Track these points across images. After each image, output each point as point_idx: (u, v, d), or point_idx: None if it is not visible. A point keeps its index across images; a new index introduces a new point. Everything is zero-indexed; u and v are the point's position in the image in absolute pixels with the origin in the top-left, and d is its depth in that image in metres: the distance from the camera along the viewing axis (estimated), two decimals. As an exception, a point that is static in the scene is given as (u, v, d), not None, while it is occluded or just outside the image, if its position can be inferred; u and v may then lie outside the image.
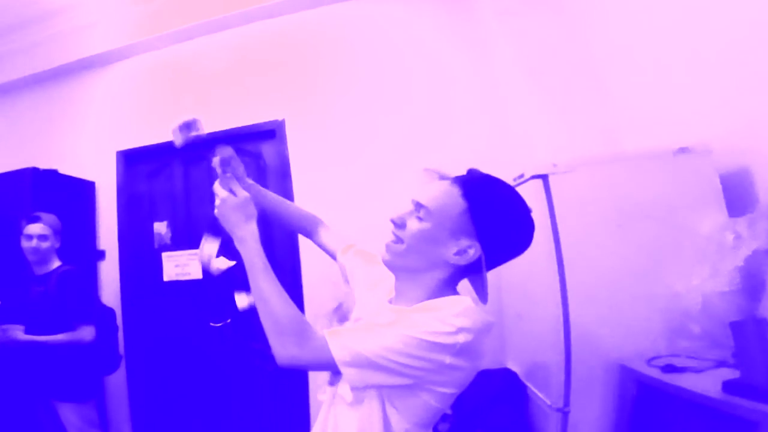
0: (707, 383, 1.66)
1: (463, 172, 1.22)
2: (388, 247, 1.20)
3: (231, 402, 3.61)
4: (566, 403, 2.07)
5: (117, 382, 3.76)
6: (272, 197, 1.74)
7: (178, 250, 3.79)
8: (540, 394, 2.29)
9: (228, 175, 1.33)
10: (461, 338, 1.01)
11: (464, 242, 1.12)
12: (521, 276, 2.48)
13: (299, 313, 1.10)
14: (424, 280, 1.18)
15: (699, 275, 1.91)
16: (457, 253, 1.13)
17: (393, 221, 1.19)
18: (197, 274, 3.71)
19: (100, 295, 3.80)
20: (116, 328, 3.22)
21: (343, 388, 1.13)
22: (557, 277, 2.10)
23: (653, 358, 1.93)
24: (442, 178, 1.20)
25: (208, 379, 3.69)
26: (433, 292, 1.17)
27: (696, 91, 2.17)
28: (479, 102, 3.24)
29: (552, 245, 2.12)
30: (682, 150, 2.06)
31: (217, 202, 1.27)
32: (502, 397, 2.45)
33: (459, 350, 1.02)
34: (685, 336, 1.92)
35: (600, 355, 2.05)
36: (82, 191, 3.91)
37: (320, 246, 1.73)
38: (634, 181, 2.11)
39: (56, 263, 2.98)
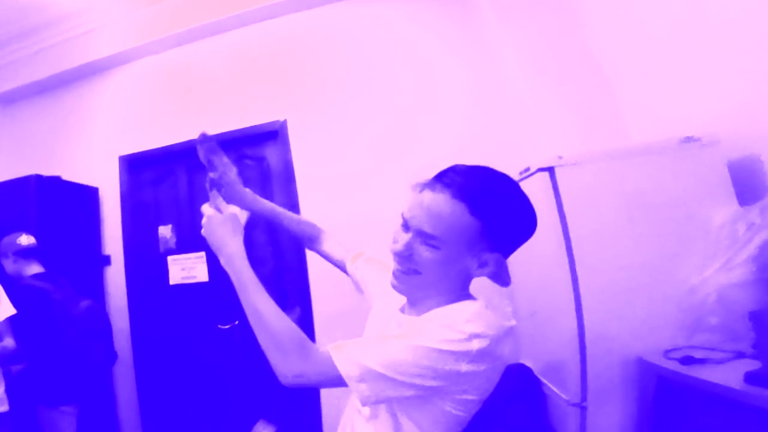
0: (728, 375, 1.65)
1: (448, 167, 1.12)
2: (400, 278, 1.13)
3: (240, 405, 3.60)
4: (584, 398, 2.07)
5: (126, 386, 3.77)
6: (270, 205, 1.69)
7: (183, 254, 3.78)
8: (556, 390, 2.29)
9: (213, 193, 1.32)
10: (476, 344, 0.97)
11: (485, 255, 1.07)
12: (533, 273, 2.47)
13: (297, 328, 1.06)
14: (439, 290, 1.13)
15: (713, 266, 1.91)
16: (480, 267, 1.08)
17: (398, 254, 1.10)
18: (203, 277, 3.70)
19: (104, 298, 3.83)
20: (108, 327, 3.21)
21: (357, 401, 1.09)
22: (569, 273, 2.09)
23: (671, 350, 1.92)
24: (432, 186, 1.08)
25: (217, 382, 3.68)
26: (446, 299, 1.12)
27: (702, 81, 2.15)
28: (483, 97, 3.22)
29: (562, 240, 2.11)
30: (689, 139, 2.05)
31: (204, 221, 1.25)
32: (518, 393, 2.44)
33: (475, 356, 0.98)
34: (702, 329, 1.91)
35: (616, 349, 2.04)
36: (86, 197, 3.90)
37: (324, 255, 1.71)
38: (643, 174, 2.10)
39: (31, 272, 3.02)
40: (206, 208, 1.28)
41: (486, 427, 1.20)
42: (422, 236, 1.05)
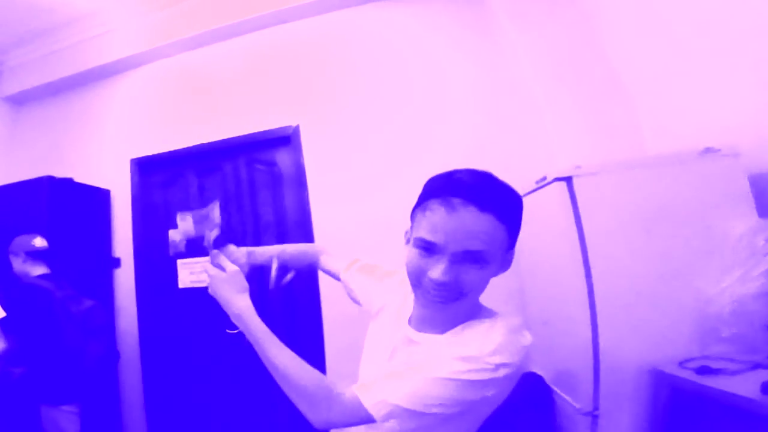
0: (744, 385, 1.64)
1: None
2: (441, 307, 1.07)
3: (247, 409, 3.60)
4: (596, 406, 2.06)
5: (133, 388, 3.77)
6: (269, 253, 1.69)
7: (192, 257, 3.79)
8: (568, 398, 2.28)
9: (215, 252, 1.34)
10: (502, 373, 0.99)
11: (508, 255, 1.10)
12: (546, 282, 2.47)
13: (320, 375, 1.09)
14: (472, 301, 1.12)
15: (730, 278, 1.90)
16: (503, 268, 1.10)
17: (446, 284, 1.03)
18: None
19: (113, 300, 3.85)
20: (110, 326, 3.36)
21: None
22: (584, 282, 2.08)
23: (685, 361, 1.92)
24: (450, 204, 1.03)
25: (225, 387, 3.68)
26: (464, 312, 1.12)
27: (723, 92, 2.15)
28: (498, 104, 3.20)
29: (578, 250, 2.11)
30: (708, 150, 2.05)
31: (208, 281, 1.27)
32: (528, 402, 2.43)
33: (501, 382, 1.00)
34: (718, 340, 1.91)
35: (629, 358, 2.03)
36: (98, 199, 3.91)
37: (326, 272, 1.73)
38: (661, 185, 2.10)
39: (36, 273, 3.06)
40: (209, 267, 1.30)
41: (496, 433, 1.21)
42: (468, 256, 1.01)
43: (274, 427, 3.53)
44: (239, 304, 1.20)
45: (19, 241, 3.05)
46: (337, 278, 1.67)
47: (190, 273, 3.79)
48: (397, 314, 1.29)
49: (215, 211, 1.54)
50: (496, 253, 1.04)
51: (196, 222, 1.55)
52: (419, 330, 1.18)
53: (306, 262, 1.73)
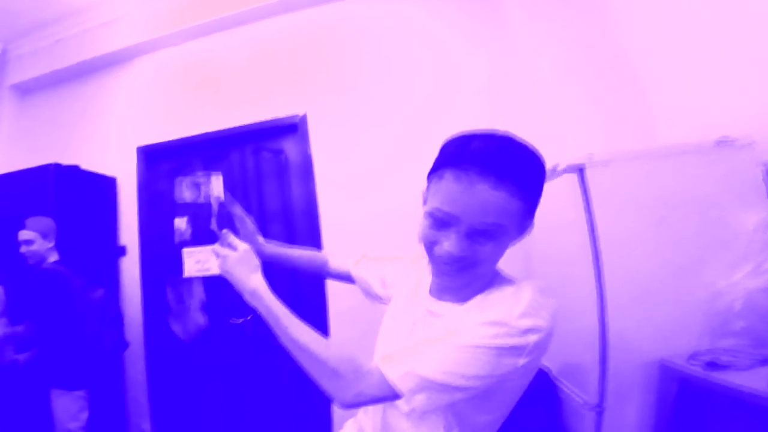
0: (753, 380, 1.62)
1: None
2: (455, 275, 1.05)
3: (251, 398, 3.60)
4: (602, 400, 2.04)
5: (137, 377, 3.78)
6: (279, 250, 1.68)
7: (198, 246, 3.77)
8: (575, 392, 2.26)
9: (225, 231, 1.31)
10: (532, 338, 0.95)
11: (526, 224, 1.05)
12: (556, 272, 2.44)
13: (341, 350, 1.04)
14: (489, 272, 1.10)
15: (742, 271, 1.87)
16: (520, 235, 1.06)
17: (458, 258, 1.01)
18: (217, 270, 3.68)
19: (118, 288, 3.87)
20: (120, 315, 3.31)
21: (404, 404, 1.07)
22: (594, 273, 2.06)
23: (694, 355, 1.89)
24: (468, 174, 1.00)
25: (229, 376, 3.68)
26: (485, 279, 1.10)
27: (736, 82, 2.11)
28: (508, 94, 3.16)
29: (588, 240, 2.08)
30: (723, 140, 2.01)
31: (219, 261, 1.25)
32: (533, 395, 2.41)
33: (532, 350, 0.95)
34: (727, 334, 1.88)
35: (638, 351, 2.01)
36: (104, 187, 3.91)
37: (335, 276, 1.68)
38: (675, 175, 2.06)
39: (52, 259, 3.09)
40: (219, 248, 1.27)
41: (499, 430, 1.18)
42: (482, 229, 0.98)
43: (277, 415, 3.53)
44: (253, 282, 1.17)
45: (43, 221, 3.08)
46: (348, 280, 1.63)
47: (196, 262, 3.77)
48: (416, 289, 1.27)
49: (214, 184, 1.54)
50: (512, 224, 1.00)
51: (190, 188, 1.54)
52: (440, 300, 1.16)
53: (313, 267, 1.70)
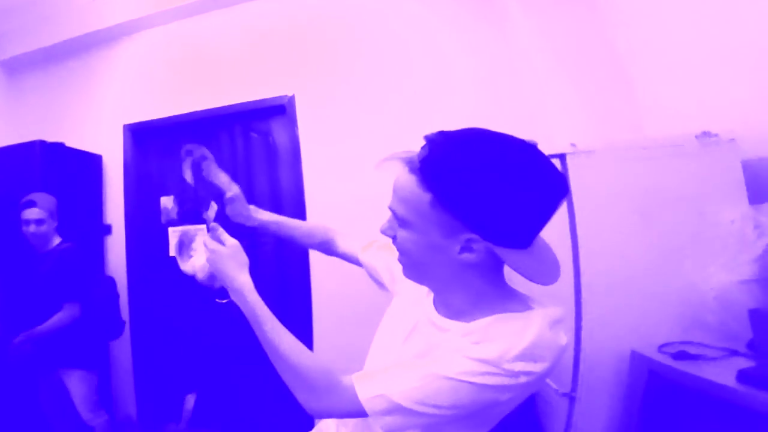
0: (721, 372, 1.63)
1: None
2: (403, 268, 1.08)
3: (236, 377, 3.61)
4: (573, 388, 2.06)
5: (122, 357, 3.80)
6: (275, 217, 1.67)
7: (184, 225, 3.77)
8: (547, 380, 2.27)
9: (213, 225, 1.28)
10: (521, 380, 0.89)
11: (462, 236, 0.93)
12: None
13: (319, 361, 1.02)
14: (456, 286, 1.03)
15: (716, 265, 1.88)
16: (463, 251, 0.95)
17: (384, 233, 1.05)
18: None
19: (104, 267, 3.86)
20: (117, 296, 3.30)
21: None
22: (572, 262, 2.07)
23: (664, 345, 1.91)
24: (402, 160, 1.01)
25: (214, 356, 3.70)
26: (476, 298, 1.02)
27: (721, 78, 2.12)
28: (497, 83, 3.12)
29: (567, 229, 2.08)
30: (706, 134, 2.01)
31: (209, 255, 1.22)
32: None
33: (520, 387, 0.90)
34: (699, 326, 1.90)
35: (610, 341, 2.03)
36: (89, 165, 3.88)
37: (342, 257, 1.65)
38: (656, 168, 2.07)
39: (56, 241, 3.05)
40: (209, 242, 1.24)
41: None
42: (394, 216, 1.01)
43: (264, 394, 3.55)
44: (240, 279, 1.15)
45: (50, 199, 3.04)
46: (354, 261, 1.60)
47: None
48: (420, 292, 1.20)
49: (222, 174, 1.53)
50: (421, 222, 0.96)
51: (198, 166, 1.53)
52: (442, 313, 1.09)
53: (314, 241, 1.68)
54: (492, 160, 0.88)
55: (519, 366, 0.88)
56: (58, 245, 3.02)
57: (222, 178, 1.56)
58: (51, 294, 2.85)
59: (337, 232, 1.68)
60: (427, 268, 1.03)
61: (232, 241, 1.22)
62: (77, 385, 2.92)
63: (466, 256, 0.95)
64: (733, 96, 2.05)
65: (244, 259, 1.21)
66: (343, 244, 1.64)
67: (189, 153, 1.51)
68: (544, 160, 0.92)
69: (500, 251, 0.91)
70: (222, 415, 3.65)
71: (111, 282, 3.32)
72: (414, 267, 1.05)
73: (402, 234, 1.00)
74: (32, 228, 2.92)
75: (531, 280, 0.94)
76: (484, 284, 1.02)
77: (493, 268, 1.00)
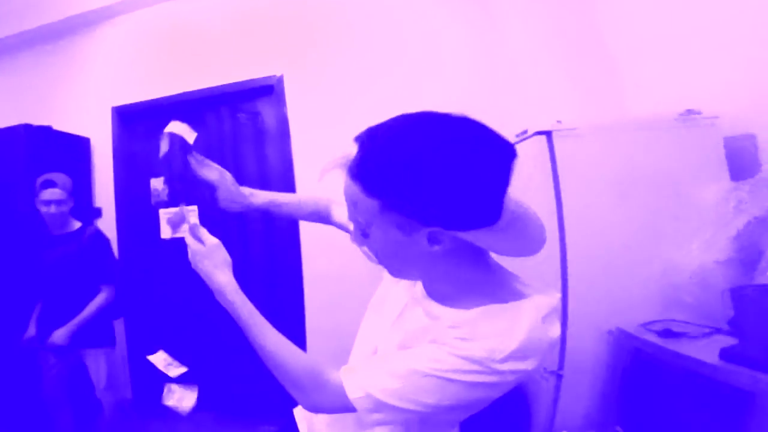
0: (703, 350, 1.65)
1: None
2: (381, 264, 1.03)
3: (230, 359, 3.63)
4: (560, 366, 2.08)
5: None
6: (270, 196, 1.61)
7: (175, 207, 3.75)
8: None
9: (193, 222, 1.25)
10: (510, 377, 0.87)
11: (423, 231, 0.86)
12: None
13: (306, 359, 1.02)
14: (439, 276, 0.99)
15: (696, 244, 1.89)
16: (431, 244, 0.88)
17: (355, 243, 1.02)
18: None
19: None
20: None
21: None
22: (558, 240, 2.07)
23: (649, 323, 1.93)
24: (342, 166, 0.93)
25: (207, 337, 3.71)
26: (462, 284, 0.97)
27: (705, 58, 2.12)
28: (486, 62, 3.09)
29: (553, 206, 2.08)
30: (689, 112, 2.01)
31: (189, 254, 1.19)
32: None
33: (509, 384, 0.89)
34: (680, 305, 1.92)
35: (595, 319, 2.05)
36: (77, 148, 3.86)
37: (338, 227, 1.59)
38: (640, 147, 2.09)
39: (76, 223, 3.05)
40: (188, 239, 1.22)
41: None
42: (356, 226, 0.95)
43: (256, 374, 3.57)
44: (220, 279, 1.13)
45: (67, 178, 3.01)
46: (348, 231, 1.60)
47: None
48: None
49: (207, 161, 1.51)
50: (380, 226, 0.90)
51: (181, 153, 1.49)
52: (432, 297, 1.04)
53: (318, 215, 1.63)
54: (426, 146, 0.81)
55: (508, 366, 0.86)
56: (82, 227, 3.03)
57: (210, 172, 1.52)
58: (85, 277, 2.89)
59: (333, 201, 1.59)
60: (404, 266, 0.99)
61: (212, 240, 1.20)
62: (96, 362, 2.96)
63: (437, 248, 0.89)
64: (715, 75, 2.05)
65: (223, 257, 1.18)
66: (336, 215, 1.58)
67: (173, 140, 1.47)
68: (480, 129, 0.84)
69: (467, 235, 0.86)
70: (219, 396, 3.68)
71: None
72: (392, 267, 1.02)
73: (369, 241, 0.95)
74: (52, 208, 2.87)
75: (510, 255, 0.93)
76: (468, 269, 0.97)
77: (473, 251, 0.95)
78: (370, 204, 0.86)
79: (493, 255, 1.03)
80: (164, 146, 1.50)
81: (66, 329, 2.82)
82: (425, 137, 0.81)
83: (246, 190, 1.56)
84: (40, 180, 2.90)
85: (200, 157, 1.51)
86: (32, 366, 3.07)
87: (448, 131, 0.82)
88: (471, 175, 0.79)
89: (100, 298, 2.91)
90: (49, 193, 2.87)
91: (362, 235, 0.94)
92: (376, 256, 0.98)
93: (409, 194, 0.81)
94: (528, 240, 0.94)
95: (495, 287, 0.97)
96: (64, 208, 2.93)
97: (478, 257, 0.98)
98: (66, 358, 2.93)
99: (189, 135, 1.52)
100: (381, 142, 0.85)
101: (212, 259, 1.16)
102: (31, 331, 3.00)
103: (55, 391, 2.95)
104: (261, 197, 1.58)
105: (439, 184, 0.79)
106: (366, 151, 0.86)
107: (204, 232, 1.22)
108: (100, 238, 3.03)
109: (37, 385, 3.05)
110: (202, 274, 1.16)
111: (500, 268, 1.03)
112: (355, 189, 0.87)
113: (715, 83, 2.04)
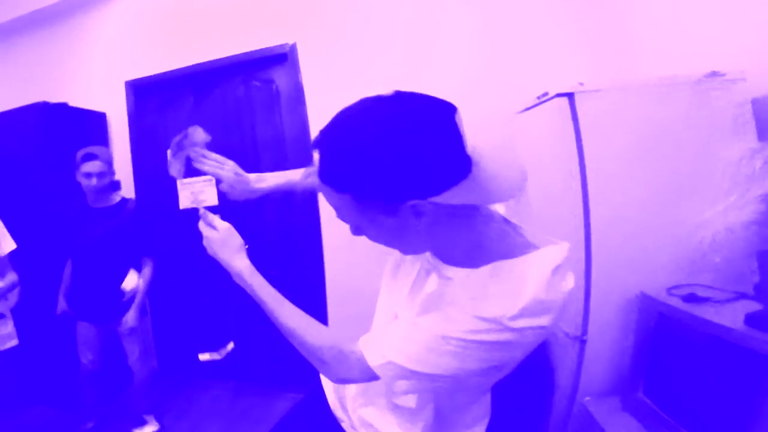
0: (729, 315, 1.65)
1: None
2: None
3: (255, 326, 3.68)
4: (584, 331, 2.08)
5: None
6: (278, 177, 1.63)
7: (192, 177, 3.77)
8: (557, 323, 2.31)
9: (202, 211, 1.28)
10: (528, 333, 0.87)
11: (403, 208, 0.86)
12: (540, 200, 2.44)
13: (327, 333, 1.06)
14: (443, 242, 0.99)
15: (723, 204, 1.87)
16: (417, 217, 0.88)
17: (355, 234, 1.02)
18: (213, 201, 3.69)
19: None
20: None
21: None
22: (580, 204, 2.05)
23: (673, 287, 1.92)
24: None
25: (230, 305, 3.76)
26: (469, 245, 0.97)
27: (730, 17, 2.05)
28: (503, 23, 2.99)
29: (576, 168, 2.06)
30: (714, 74, 1.97)
31: (204, 241, 1.22)
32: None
33: (528, 344, 0.90)
34: (706, 267, 1.90)
35: (619, 284, 2.04)
36: (94, 123, 3.87)
37: None
38: (665, 106, 2.04)
39: (116, 196, 3.09)
40: (202, 227, 1.24)
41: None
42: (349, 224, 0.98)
43: (275, 348, 3.62)
44: (237, 264, 1.16)
45: (107, 150, 3.05)
46: None
47: (191, 193, 3.79)
48: None
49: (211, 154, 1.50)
50: (370, 218, 0.92)
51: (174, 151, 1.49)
52: (443, 260, 1.04)
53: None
54: (370, 129, 0.86)
55: (523, 322, 0.85)
56: (122, 200, 3.07)
57: (212, 166, 1.50)
58: (127, 250, 2.95)
59: None
60: (407, 244, 1.01)
61: (223, 225, 1.23)
62: (135, 341, 3.03)
63: (425, 219, 0.88)
64: (740, 36, 1.99)
65: (238, 241, 1.22)
66: None
67: (180, 147, 1.47)
68: (413, 98, 0.90)
69: (444, 197, 0.84)
70: (244, 364, 3.75)
71: None
72: (399, 248, 1.05)
73: (365, 234, 0.98)
74: (94, 181, 2.88)
75: (491, 202, 0.98)
76: (469, 229, 0.97)
77: (467, 210, 0.94)
78: (346, 200, 0.89)
79: (498, 209, 1.06)
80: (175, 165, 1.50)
81: (134, 311, 2.92)
82: (367, 122, 0.87)
83: (253, 176, 1.57)
84: (80, 153, 2.90)
85: (201, 151, 1.50)
86: (68, 340, 3.16)
87: (385, 110, 0.88)
88: (419, 140, 0.82)
89: (147, 273, 2.98)
90: (90, 166, 2.87)
91: (356, 230, 0.97)
92: (379, 243, 0.99)
93: (371, 177, 0.84)
94: (503, 179, 0.90)
95: (500, 242, 0.97)
96: (106, 181, 2.94)
97: (475, 215, 0.97)
98: (104, 331, 3.04)
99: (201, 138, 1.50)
100: (332, 141, 0.91)
101: (227, 245, 1.20)
102: (62, 305, 3.06)
103: (93, 360, 3.06)
104: (270, 181, 1.61)
105: (394, 158, 0.82)
106: (323, 154, 0.91)
107: (215, 218, 1.25)
108: (143, 211, 3.07)
109: (73, 357, 3.13)
110: (219, 260, 1.19)
111: (504, 221, 1.04)
112: (328, 191, 0.91)
113: (741, 42, 1.99)
